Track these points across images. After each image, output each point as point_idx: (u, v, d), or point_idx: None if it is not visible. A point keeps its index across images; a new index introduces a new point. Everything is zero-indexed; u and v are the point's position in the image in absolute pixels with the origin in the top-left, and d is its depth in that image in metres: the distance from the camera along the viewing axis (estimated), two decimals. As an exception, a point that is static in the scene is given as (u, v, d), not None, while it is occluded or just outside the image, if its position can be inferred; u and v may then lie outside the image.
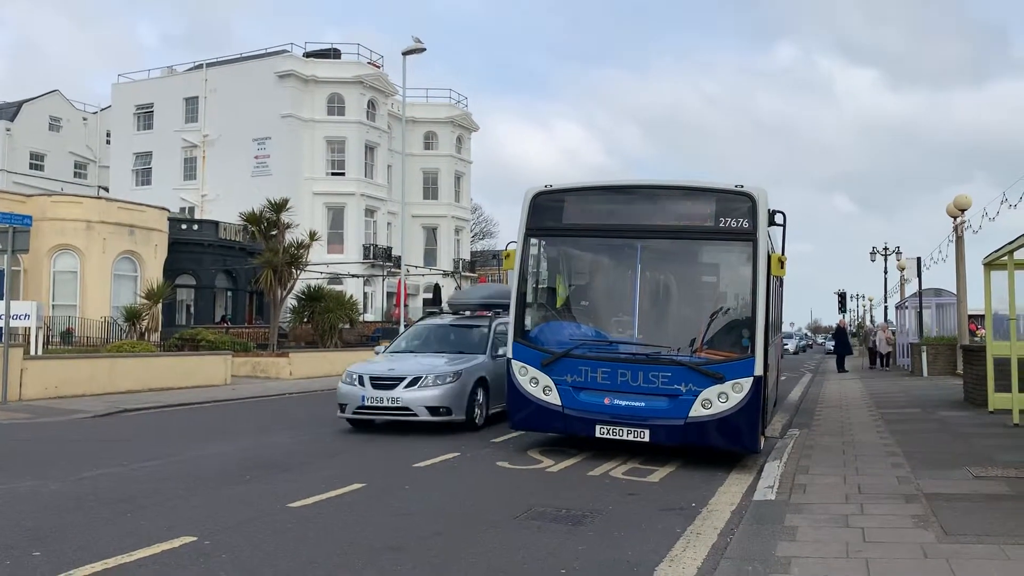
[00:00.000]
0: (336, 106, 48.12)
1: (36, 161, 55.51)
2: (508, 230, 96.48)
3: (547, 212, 10.06)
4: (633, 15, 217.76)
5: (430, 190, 55.01)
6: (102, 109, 57.69)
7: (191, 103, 49.50)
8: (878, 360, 32.91)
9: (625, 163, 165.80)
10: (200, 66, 50.63)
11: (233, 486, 8.04)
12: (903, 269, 36.71)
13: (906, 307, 34.43)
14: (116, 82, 52.91)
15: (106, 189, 51.43)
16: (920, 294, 29.64)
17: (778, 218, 9.63)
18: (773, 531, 6.03)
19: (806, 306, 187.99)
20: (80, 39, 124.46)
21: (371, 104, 49.30)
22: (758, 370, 9.03)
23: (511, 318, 10.11)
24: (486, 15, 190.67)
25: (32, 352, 19.97)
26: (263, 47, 50.16)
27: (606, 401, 9.42)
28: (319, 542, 5.98)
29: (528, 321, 10.15)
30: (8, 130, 54.14)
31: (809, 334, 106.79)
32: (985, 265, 13.48)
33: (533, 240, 10.15)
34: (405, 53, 29.51)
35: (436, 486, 8.22)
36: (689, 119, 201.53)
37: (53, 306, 30.33)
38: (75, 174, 57.37)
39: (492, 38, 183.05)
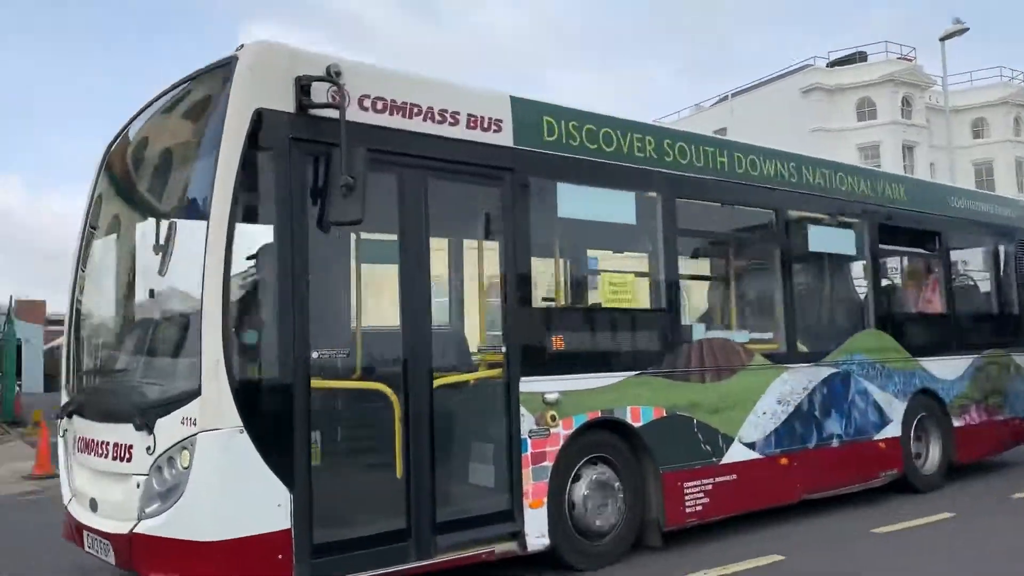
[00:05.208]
0: (866, 110, 45.87)
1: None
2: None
3: None
4: None
5: (984, 183, 48.85)
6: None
7: (719, 134, 51.66)
8: None
9: None
10: (725, 98, 52.67)
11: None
12: None
13: None
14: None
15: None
16: None
17: None
18: None
19: None
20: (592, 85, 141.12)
21: (905, 101, 45.88)
22: None
23: None
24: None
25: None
26: (783, 66, 50.41)
27: None
28: None
29: None
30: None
31: None
32: None
33: None
34: (942, 39, 26.91)
35: None
36: None
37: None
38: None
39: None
